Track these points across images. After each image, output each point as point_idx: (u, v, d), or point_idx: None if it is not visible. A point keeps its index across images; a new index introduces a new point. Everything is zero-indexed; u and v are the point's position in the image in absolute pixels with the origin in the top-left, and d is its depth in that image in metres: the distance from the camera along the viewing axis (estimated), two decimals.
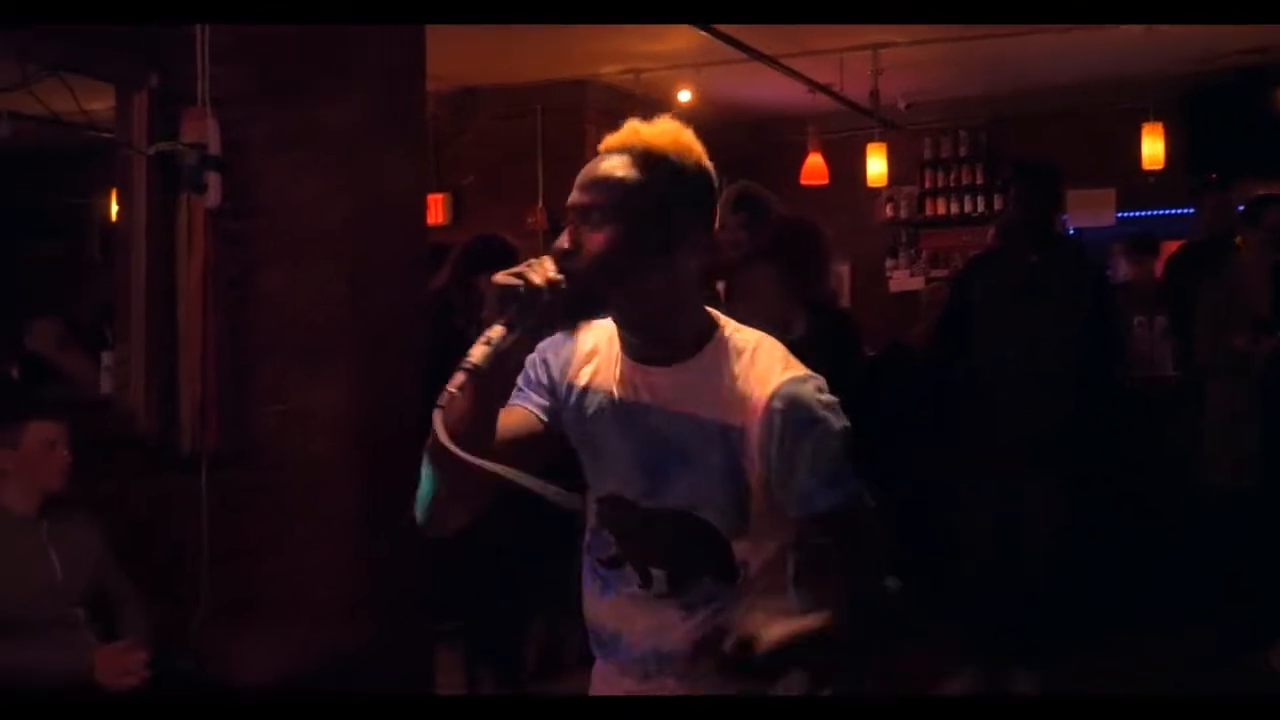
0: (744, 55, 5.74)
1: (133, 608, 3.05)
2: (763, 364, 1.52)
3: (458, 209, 7.17)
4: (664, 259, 1.50)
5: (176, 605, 3.14)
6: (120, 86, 3.34)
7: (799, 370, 1.52)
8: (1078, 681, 3.79)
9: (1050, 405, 3.79)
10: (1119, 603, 4.34)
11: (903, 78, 6.67)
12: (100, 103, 3.40)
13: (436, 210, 6.70)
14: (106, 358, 3.37)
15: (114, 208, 3.53)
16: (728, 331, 1.56)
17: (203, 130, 3.18)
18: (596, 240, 1.48)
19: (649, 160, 1.50)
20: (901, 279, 7.77)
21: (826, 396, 1.50)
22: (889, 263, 7.93)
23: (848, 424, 1.50)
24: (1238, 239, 4.66)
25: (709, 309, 1.59)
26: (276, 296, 3.26)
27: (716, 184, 1.57)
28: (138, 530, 3.14)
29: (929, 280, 7.24)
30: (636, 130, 1.52)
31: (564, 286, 1.45)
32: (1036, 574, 3.83)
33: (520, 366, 1.60)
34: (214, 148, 3.19)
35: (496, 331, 1.43)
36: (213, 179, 3.20)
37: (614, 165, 1.50)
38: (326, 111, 3.23)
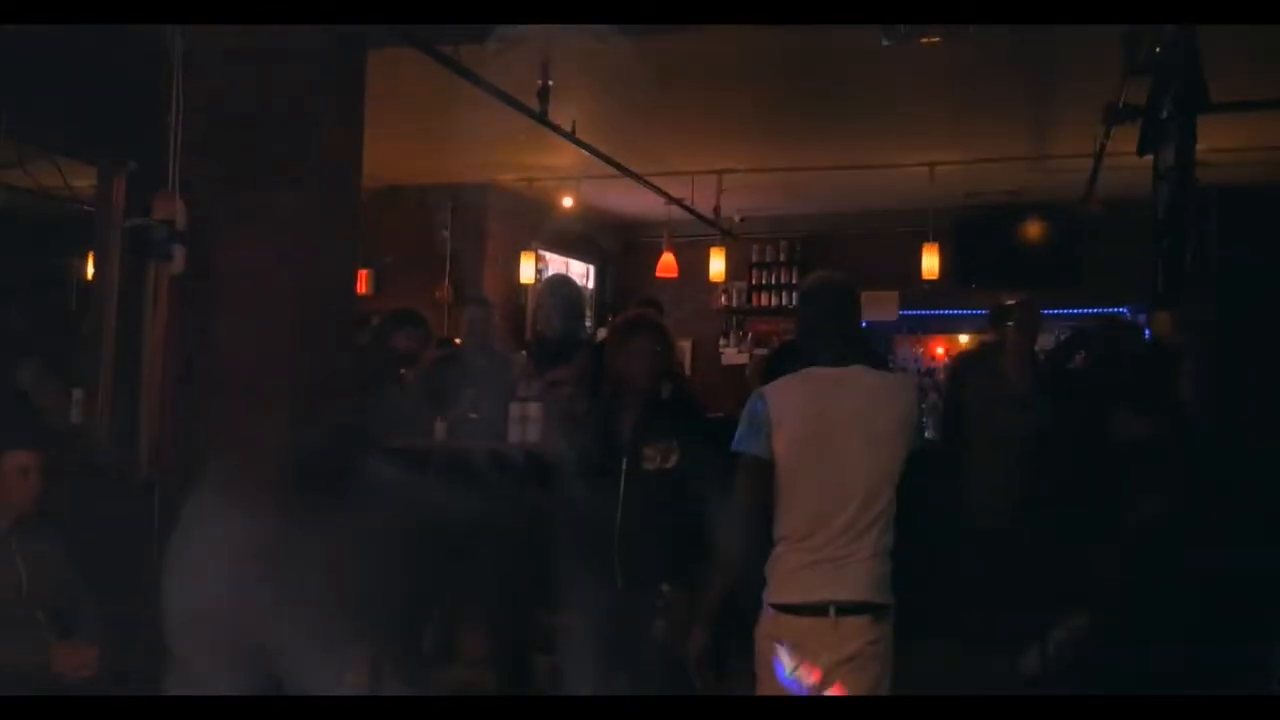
0: (616, 171, 6.91)
1: (88, 611, 3.37)
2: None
3: (379, 283, 8.29)
4: None
5: (129, 610, 3.44)
6: (102, 169, 3.82)
7: None
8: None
9: None
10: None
11: (740, 197, 8.34)
12: (81, 180, 3.87)
13: (361, 283, 7.58)
14: (76, 394, 3.75)
15: (89, 268, 3.94)
16: None
17: (171, 209, 3.60)
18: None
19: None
20: (731, 355, 9.87)
21: None
22: (722, 341, 10.00)
23: None
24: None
25: None
26: (227, 348, 3.63)
27: None
28: (98, 543, 3.48)
29: (751, 355, 8.92)
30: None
31: None
32: None
33: None
34: (180, 224, 3.61)
35: None
36: (178, 250, 3.63)
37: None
38: (277, 197, 3.62)
